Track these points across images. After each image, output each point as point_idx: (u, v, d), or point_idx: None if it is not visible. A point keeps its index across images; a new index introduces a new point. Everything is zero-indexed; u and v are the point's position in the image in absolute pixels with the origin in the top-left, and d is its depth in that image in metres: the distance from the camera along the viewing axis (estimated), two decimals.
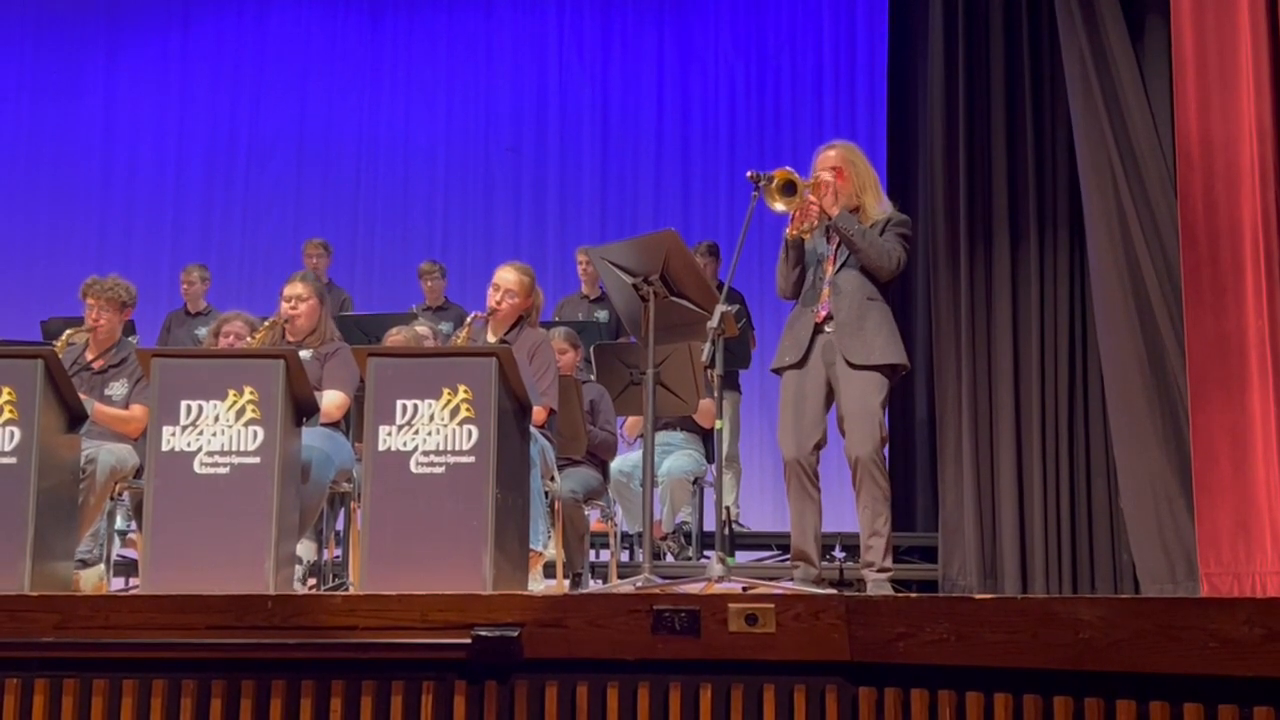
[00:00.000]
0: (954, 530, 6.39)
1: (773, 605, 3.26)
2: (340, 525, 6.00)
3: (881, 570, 4.52)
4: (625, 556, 7.13)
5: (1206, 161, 5.10)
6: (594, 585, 6.07)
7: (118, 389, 5.69)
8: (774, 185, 4.49)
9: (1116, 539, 6.14)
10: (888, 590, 4.45)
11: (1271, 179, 4.93)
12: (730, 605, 3.29)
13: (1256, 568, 4.86)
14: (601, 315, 8.10)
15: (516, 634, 3.33)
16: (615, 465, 6.51)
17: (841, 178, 4.70)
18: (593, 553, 6.62)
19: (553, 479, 5.47)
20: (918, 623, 3.13)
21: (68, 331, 5.83)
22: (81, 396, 4.76)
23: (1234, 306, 4.98)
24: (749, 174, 4.50)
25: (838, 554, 6.68)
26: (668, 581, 4.36)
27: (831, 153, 4.78)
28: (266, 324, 5.56)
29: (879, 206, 4.76)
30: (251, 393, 4.19)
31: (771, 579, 5.39)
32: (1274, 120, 4.93)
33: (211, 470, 4.15)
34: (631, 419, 6.96)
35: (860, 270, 4.64)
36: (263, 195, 11.02)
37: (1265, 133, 4.94)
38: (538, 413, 5.16)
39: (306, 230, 10.18)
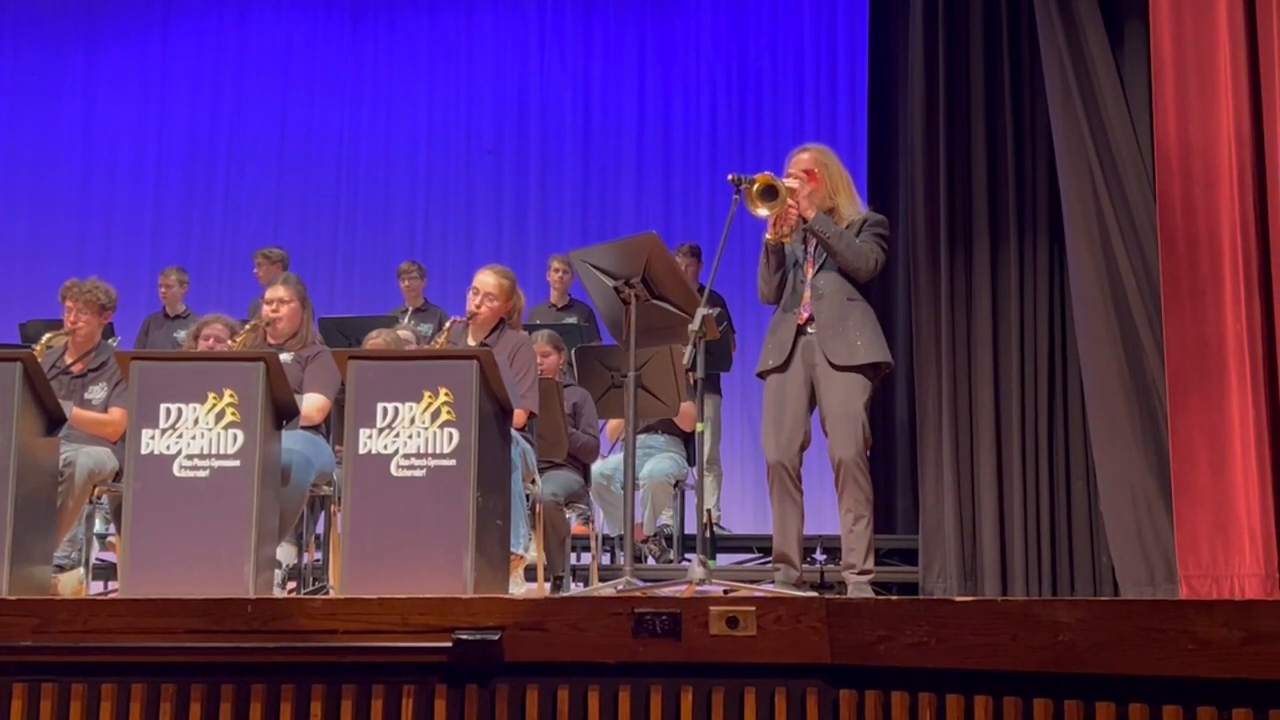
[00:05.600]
0: (934, 533, 6.40)
1: (754, 608, 3.27)
2: (320, 528, 5.99)
3: (862, 573, 4.52)
4: (606, 559, 7.13)
5: (1185, 166, 5.12)
6: (575, 588, 6.06)
7: (97, 392, 5.67)
8: (755, 190, 4.49)
9: (1096, 541, 6.15)
10: (868, 593, 4.46)
11: (1250, 184, 4.96)
12: (711, 608, 3.29)
13: (1235, 570, 4.88)
14: (571, 319, 8.09)
15: (497, 637, 3.32)
16: (596, 468, 6.50)
17: (815, 180, 4.70)
18: (574, 556, 6.62)
19: (534, 482, 5.47)
20: (898, 625, 3.13)
21: (46, 335, 5.79)
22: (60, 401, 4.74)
23: (1212, 311, 5.00)
24: (730, 177, 4.51)
25: (818, 557, 6.69)
26: (649, 584, 4.35)
27: (805, 155, 4.79)
28: (248, 327, 5.54)
29: (853, 208, 4.78)
30: (231, 396, 4.18)
31: (753, 582, 5.39)
32: (1252, 125, 4.96)
33: (191, 474, 4.14)
34: (613, 423, 6.96)
35: (839, 271, 4.65)
36: (243, 197, 10.98)
37: (1244, 138, 4.97)
38: (518, 415, 5.16)
39: (287, 232, 10.16)
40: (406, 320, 8.08)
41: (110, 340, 6.80)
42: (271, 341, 5.54)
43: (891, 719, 3.15)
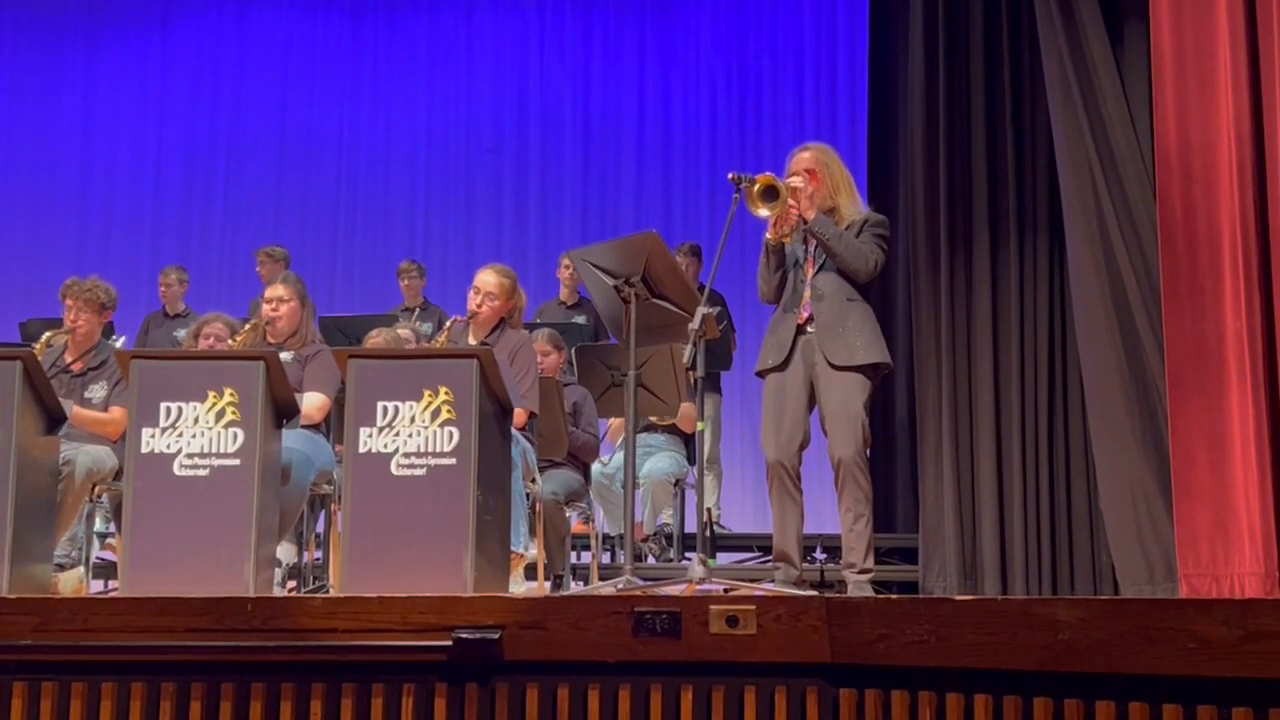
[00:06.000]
0: (934, 532, 6.40)
1: (754, 607, 3.27)
2: (320, 527, 5.99)
3: (862, 571, 4.53)
4: (606, 558, 7.13)
5: (1185, 164, 5.12)
6: (575, 587, 6.06)
7: (97, 391, 5.66)
8: (755, 190, 4.49)
9: (1096, 540, 6.16)
10: (868, 591, 4.46)
11: (1250, 182, 4.96)
12: (711, 607, 3.29)
13: (1235, 569, 4.88)
14: (579, 319, 8.10)
15: (497, 636, 3.32)
16: (596, 467, 6.50)
17: (816, 180, 4.70)
18: (574, 555, 6.62)
19: (534, 480, 5.47)
20: (898, 624, 3.13)
21: (46, 334, 5.79)
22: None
23: (1212, 308, 5.00)
24: (730, 175, 4.51)
25: (818, 555, 6.69)
26: (649, 583, 4.35)
27: (806, 154, 4.78)
28: (248, 326, 5.54)
29: (854, 208, 4.77)
30: (231, 394, 4.18)
31: (753, 580, 5.39)
32: (1252, 123, 4.96)
33: (191, 472, 4.14)
34: (614, 425, 6.96)
35: (839, 272, 4.65)
36: (243, 196, 10.98)
37: (1243, 136, 4.97)
38: (518, 415, 5.16)
39: (286, 231, 10.16)
40: (413, 320, 8.07)
41: (112, 339, 6.80)
42: (271, 340, 5.54)
43: (892, 718, 3.15)
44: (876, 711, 3.17)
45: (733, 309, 8.16)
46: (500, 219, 10.78)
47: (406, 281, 8.91)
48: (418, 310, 8.67)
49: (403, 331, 6.65)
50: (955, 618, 3.06)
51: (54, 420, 4.58)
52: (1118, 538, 5.71)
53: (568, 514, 5.97)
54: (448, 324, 5.61)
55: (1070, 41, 5.99)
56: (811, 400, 4.64)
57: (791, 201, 4.58)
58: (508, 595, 4.00)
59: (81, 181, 11.05)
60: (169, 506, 4.11)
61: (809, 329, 4.63)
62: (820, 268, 4.68)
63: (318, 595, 4.93)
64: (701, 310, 4.21)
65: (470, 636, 3.33)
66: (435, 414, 4.07)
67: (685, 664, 3.28)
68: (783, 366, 4.64)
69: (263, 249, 9.08)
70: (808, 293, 4.66)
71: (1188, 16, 5.19)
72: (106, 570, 6.48)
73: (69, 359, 5.78)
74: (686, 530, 7.25)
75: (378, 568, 3.97)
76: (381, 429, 4.07)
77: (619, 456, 6.74)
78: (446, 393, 4.07)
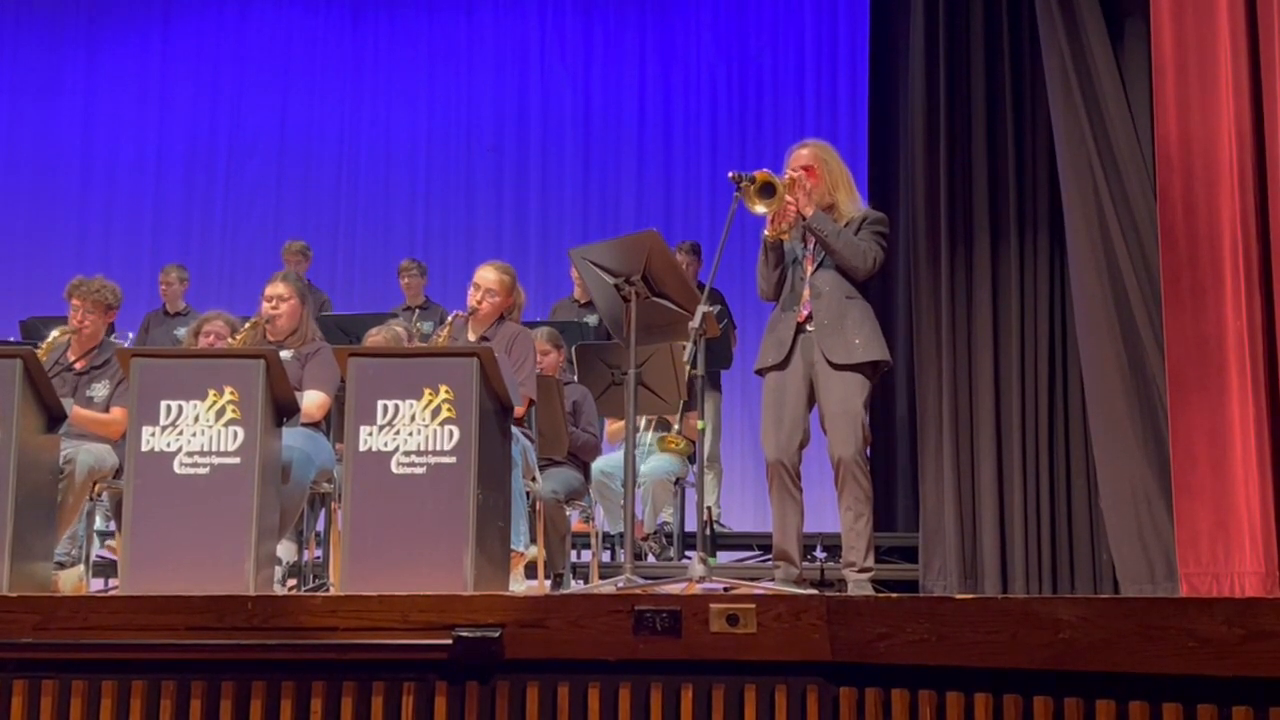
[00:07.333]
0: (934, 530, 6.40)
1: (754, 605, 3.27)
2: (321, 526, 5.99)
3: (863, 570, 4.53)
4: (606, 557, 7.12)
5: (1186, 164, 5.11)
6: (575, 586, 6.06)
7: (99, 390, 5.66)
8: (754, 187, 4.49)
9: (1096, 539, 6.15)
10: (869, 590, 4.46)
11: (1250, 181, 4.95)
12: (711, 605, 3.29)
13: (1235, 568, 4.87)
14: (591, 320, 8.09)
15: (498, 634, 3.32)
16: (597, 466, 6.50)
17: (814, 176, 4.69)
18: (574, 553, 6.62)
19: (534, 479, 5.47)
20: (898, 623, 3.13)
21: (54, 333, 5.77)
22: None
23: (1213, 308, 4.99)
24: (730, 174, 4.51)
25: (819, 554, 6.69)
26: (649, 582, 4.36)
27: (804, 151, 4.77)
28: (248, 324, 5.54)
29: (853, 205, 4.77)
30: (232, 393, 4.18)
31: (753, 579, 5.39)
32: (1253, 123, 4.95)
33: (191, 471, 4.14)
34: (613, 427, 6.96)
35: (838, 269, 4.64)
36: (243, 195, 11.00)
37: (1244, 135, 4.96)
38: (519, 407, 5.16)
39: (287, 230, 10.17)
40: (415, 319, 8.06)
41: (112, 337, 6.79)
42: (271, 339, 5.54)
43: (892, 717, 3.15)
44: (877, 710, 3.17)
45: (733, 307, 8.16)
46: (501, 218, 10.79)
47: (407, 280, 8.91)
48: (418, 309, 8.67)
49: (398, 327, 6.64)
50: (955, 617, 3.06)
51: (54, 418, 4.58)
52: (1118, 537, 5.70)
53: (568, 512, 5.96)
54: (449, 319, 5.62)
55: (1071, 40, 5.98)
56: (811, 399, 4.64)
57: (789, 198, 4.57)
58: (508, 594, 4.00)
59: (82, 180, 11.06)
60: (169, 505, 4.11)
61: (808, 327, 4.63)
62: (819, 265, 4.67)
63: (318, 594, 4.93)
64: (702, 308, 4.21)
65: (470, 635, 3.33)
66: (435, 412, 4.07)
67: (685, 662, 3.29)
68: (783, 365, 4.64)
69: (300, 247, 9.12)
70: (807, 290, 4.65)
71: (1188, 15, 5.18)
72: (107, 568, 6.48)
73: (71, 357, 5.78)
74: (687, 529, 7.25)
75: (378, 566, 3.97)
76: (382, 427, 4.07)
77: (617, 455, 6.74)
78: (447, 391, 4.08)
